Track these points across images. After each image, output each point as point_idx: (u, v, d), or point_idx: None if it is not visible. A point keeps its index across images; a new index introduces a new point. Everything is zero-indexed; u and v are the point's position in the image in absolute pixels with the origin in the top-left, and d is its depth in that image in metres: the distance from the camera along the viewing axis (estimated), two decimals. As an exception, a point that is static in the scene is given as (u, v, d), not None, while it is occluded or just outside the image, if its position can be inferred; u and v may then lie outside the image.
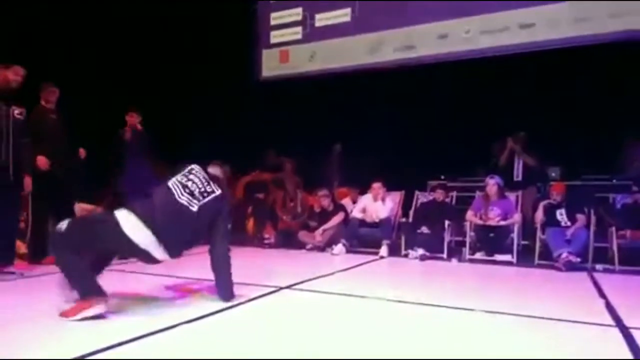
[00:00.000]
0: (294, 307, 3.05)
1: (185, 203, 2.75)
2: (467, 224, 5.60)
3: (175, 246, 2.74)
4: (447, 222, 5.63)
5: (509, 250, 5.32)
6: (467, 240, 5.57)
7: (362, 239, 6.13)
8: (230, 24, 8.68)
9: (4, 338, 2.20)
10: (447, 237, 5.59)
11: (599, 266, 4.90)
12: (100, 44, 7.91)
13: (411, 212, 6.27)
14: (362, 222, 6.08)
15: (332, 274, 4.34)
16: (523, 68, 7.14)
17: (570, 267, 4.66)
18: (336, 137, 8.05)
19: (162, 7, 8.30)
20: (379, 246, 5.77)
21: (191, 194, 2.80)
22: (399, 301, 3.11)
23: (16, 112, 4.09)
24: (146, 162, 5.64)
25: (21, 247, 4.74)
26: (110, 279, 2.82)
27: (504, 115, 6.85)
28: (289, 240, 6.62)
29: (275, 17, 9.15)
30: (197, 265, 3.20)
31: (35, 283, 3.74)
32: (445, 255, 5.49)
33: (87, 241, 2.60)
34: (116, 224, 2.56)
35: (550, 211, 5.34)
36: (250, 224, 7.50)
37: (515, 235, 5.36)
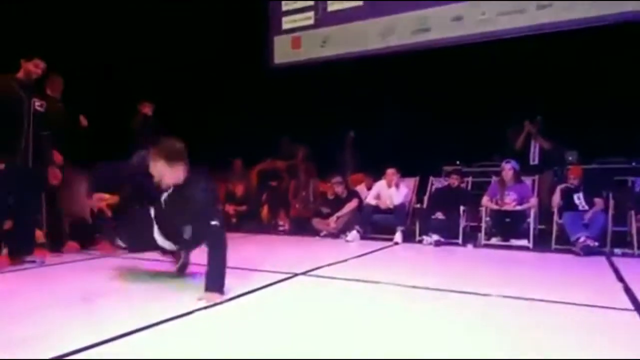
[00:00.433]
0: (310, 293, 3.06)
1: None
2: (483, 209, 5.57)
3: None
4: (462, 208, 5.60)
5: (525, 235, 5.28)
6: (483, 225, 5.53)
7: (376, 225, 6.13)
8: (242, 11, 8.64)
9: (32, 323, 2.25)
10: (462, 223, 5.56)
11: (617, 250, 4.84)
12: (112, 32, 7.93)
13: (425, 198, 6.24)
14: (376, 209, 6.07)
15: (347, 260, 4.35)
16: (539, 50, 7.00)
17: (588, 251, 4.61)
18: (350, 123, 8.01)
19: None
20: (393, 232, 5.76)
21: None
22: (414, 287, 3.11)
23: (37, 104, 4.09)
24: None
25: (40, 236, 4.82)
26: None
27: (520, 99, 6.76)
28: (303, 227, 6.65)
29: (288, 3, 9.09)
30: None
31: (55, 271, 3.81)
32: (460, 241, 5.47)
33: None
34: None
35: (567, 195, 5.27)
36: (265, 211, 7.55)
37: (531, 219, 5.32)
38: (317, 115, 7.95)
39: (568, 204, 5.21)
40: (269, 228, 7.10)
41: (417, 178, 6.67)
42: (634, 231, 4.86)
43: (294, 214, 7.13)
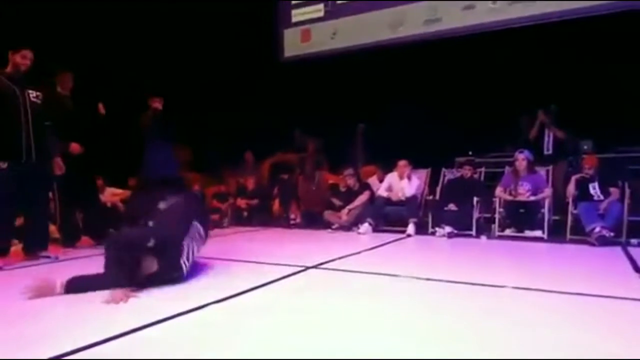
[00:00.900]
0: (321, 286, 3.04)
1: None
2: (496, 200, 5.51)
3: None
4: (475, 199, 5.54)
5: (539, 226, 5.22)
6: (497, 216, 5.48)
7: (388, 217, 6.10)
8: (252, 4, 8.61)
9: (49, 317, 2.27)
10: (475, 214, 5.51)
11: (633, 240, 4.77)
12: (122, 27, 7.95)
13: (438, 190, 6.20)
14: (388, 201, 6.04)
15: (359, 252, 4.33)
16: (552, 39, 6.89)
17: (604, 241, 4.55)
18: (361, 115, 7.97)
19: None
20: (405, 224, 5.73)
21: None
22: (428, 279, 3.08)
23: (32, 95, 3.98)
24: (168, 146, 5.69)
25: (54, 232, 4.87)
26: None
27: (533, 88, 6.66)
28: (314, 220, 6.65)
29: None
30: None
31: (69, 266, 3.84)
32: (474, 233, 5.43)
33: None
34: None
35: (582, 185, 5.20)
36: (276, 204, 7.56)
37: (546, 210, 5.25)
38: (328, 108, 7.92)
39: (583, 194, 5.14)
40: (281, 221, 7.10)
41: (429, 169, 6.62)
42: (650, 221, 4.79)
43: (303, 207, 7.13)
